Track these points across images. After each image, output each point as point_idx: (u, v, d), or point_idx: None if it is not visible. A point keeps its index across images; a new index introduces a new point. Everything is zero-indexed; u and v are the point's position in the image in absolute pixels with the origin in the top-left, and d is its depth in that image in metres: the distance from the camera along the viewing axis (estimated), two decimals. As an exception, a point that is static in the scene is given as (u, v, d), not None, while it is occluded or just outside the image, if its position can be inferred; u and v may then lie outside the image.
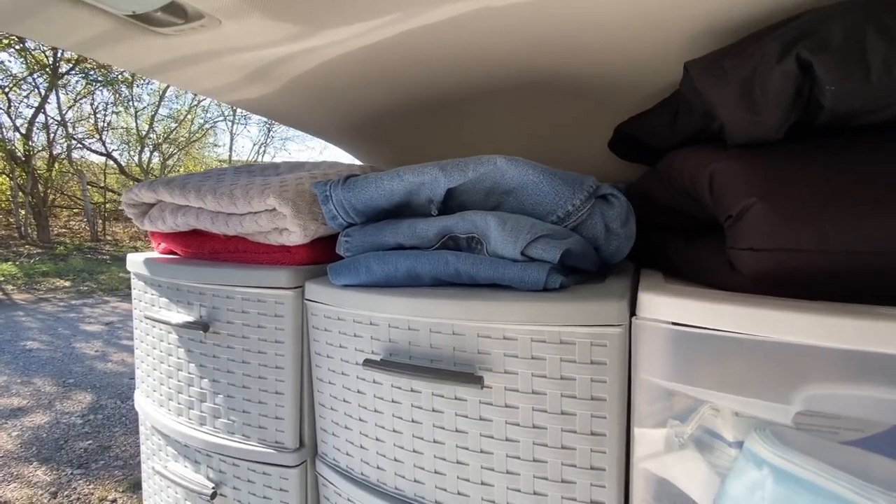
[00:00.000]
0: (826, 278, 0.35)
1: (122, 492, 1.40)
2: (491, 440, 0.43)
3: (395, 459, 0.49)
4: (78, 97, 7.08)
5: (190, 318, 0.61)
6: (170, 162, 8.59)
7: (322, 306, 0.53)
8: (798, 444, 0.34)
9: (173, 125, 8.42)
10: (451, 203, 0.52)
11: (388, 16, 0.42)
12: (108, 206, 7.76)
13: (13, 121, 6.33)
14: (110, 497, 1.38)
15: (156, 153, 8.39)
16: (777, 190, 0.36)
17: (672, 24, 0.48)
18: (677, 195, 0.48)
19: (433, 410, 0.46)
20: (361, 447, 0.52)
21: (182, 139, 8.64)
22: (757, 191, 0.36)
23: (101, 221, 7.48)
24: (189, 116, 8.45)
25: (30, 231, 6.28)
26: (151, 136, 8.12)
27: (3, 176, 6.63)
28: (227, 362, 0.60)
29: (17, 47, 5.73)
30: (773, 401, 0.34)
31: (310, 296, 0.55)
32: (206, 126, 8.91)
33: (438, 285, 0.49)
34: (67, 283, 4.44)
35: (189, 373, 0.63)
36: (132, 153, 8.30)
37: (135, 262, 0.69)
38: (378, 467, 0.50)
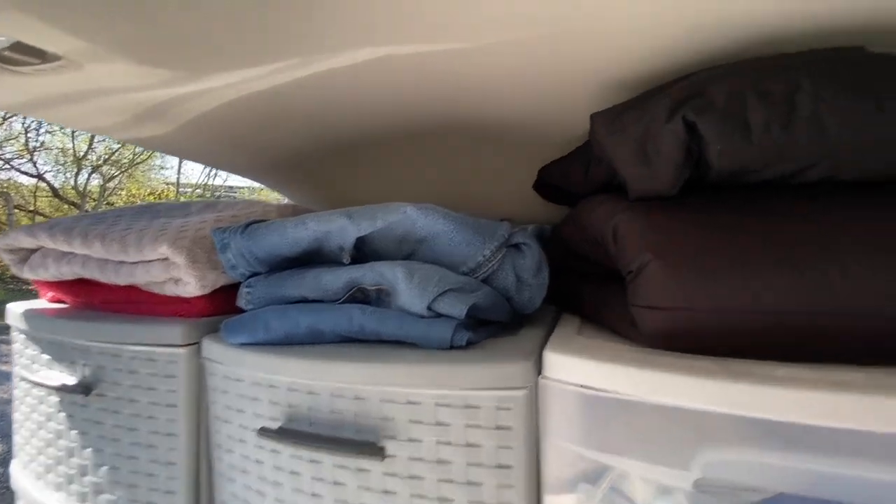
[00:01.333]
0: (723, 337, 0.35)
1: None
2: (395, 516, 0.39)
3: (296, 538, 0.44)
4: (7, 115, 6.58)
5: (70, 380, 0.54)
6: (111, 184, 8.09)
7: (220, 366, 0.48)
8: (702, 509, 0.33)
9: (115, 146, 7.96)
10: (365, 250, 0.49)
11: (283, 62, 0.40)
12: (37, 231, 7.14)
13: (-72, 140, 5.77)
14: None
15: (95, 175, 7.88)
16: (672, 248, 0.35)
17: (581, 75, 0.49)
18: (589, 243, 0.48)
19: (335, 483, 0.41)
20: (261, 524, 0.46)
21: (125, 161, 8.17)
22: (653, 248, 0.36)
23: (28, 248, 6.85)
24: (134, 137, 8.02)
25: (-59, 260, 5.66)
26: (90, 157, 7.63)
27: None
28: (113, 429, 0.53)
29: (-64, 61, 5.28)
30: (674, 466, 0.33)
31: (207, 354, 0.50)
32: (153, 147, 8.49)
33: (344, 342, 0.45)
34: (-19, 319, 4.00)
35: (70, 441, 0.56)
36: (68, 175, 7.75)
37: (14, 313, 0.61)
38: (278, 547, 0.45)
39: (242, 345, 0.46)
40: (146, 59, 0.38)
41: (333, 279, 0.45)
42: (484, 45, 0.41)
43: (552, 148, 0.66)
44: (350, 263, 0.47)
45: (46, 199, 7.52)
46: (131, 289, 0.56)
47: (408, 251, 0.48)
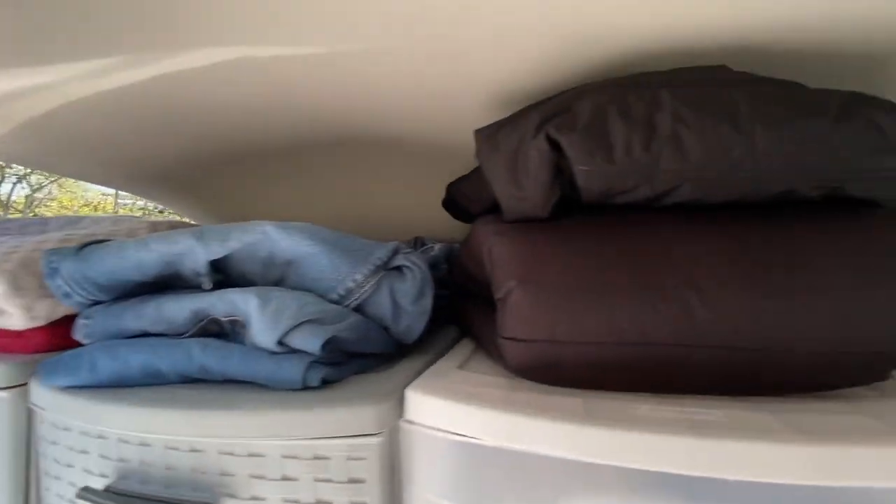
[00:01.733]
0: (587, 370, 0.32)
1: None
2: (234, 590, 0.34)
3: None
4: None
5: None
6: (38, 195, 7.46)
7: (48, 412, 0.41)
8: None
9: (46, 153, 7.35)
10: (231, 274, 0.43)
11: (109, 58, 0.35)
12: (-52, 245, 6.44)
13: None
14: None
15: (22, 184, 7.24)
16: (536, 275, 0.33)
17: (467, 88, 0.47)
18: (476, 265, 0.45)
19: (169, 551, 0.35)
20: None
21: (57, 169, 7.57)
22: (518, 274, 0.33)
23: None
24: (67, 144, 7.45)
25: None
26: (15, 165, 7.01)
27: None
28: (-83, 493, 0.44)
29: None
30: (536, 521, 0.30)
31: (35, 399, 0.42)
32: (90, 155, 7.89)
33: (189, 382, 0.39)
34: None
35: None
36: (-10, 184, 7.08)
37: None
38: None
39: (67, 388, 0.39)
40: None
41: (177, 309, 0.39)
42: (348, 51, 0.38)
43: (462, 163, 0.64)
44: (211, 290, 0.42)
45: (-38, 209, 6.83)
46: (-47, 321, 0.47)
47: (276, 276, 0.43)
